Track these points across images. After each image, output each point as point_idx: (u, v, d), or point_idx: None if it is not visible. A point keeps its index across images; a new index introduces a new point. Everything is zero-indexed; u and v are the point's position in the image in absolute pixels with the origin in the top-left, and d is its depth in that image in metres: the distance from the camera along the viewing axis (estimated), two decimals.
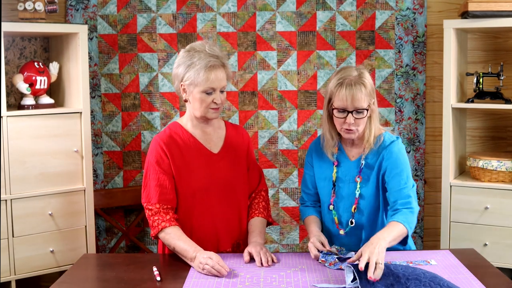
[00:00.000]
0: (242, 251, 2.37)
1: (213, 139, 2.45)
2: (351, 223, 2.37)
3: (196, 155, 2.40)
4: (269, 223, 2.55)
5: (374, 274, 1.90)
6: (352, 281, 1.93)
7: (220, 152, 2.45)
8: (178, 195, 2.39)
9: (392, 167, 2.30)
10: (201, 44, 2.35)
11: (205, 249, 2.28)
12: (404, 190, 2.28)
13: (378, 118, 2.37)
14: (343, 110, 2.26)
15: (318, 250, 2.25)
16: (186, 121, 2.45)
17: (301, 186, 2.58)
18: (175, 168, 2.37)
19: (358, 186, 2.35)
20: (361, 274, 1.91)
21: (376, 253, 1.96)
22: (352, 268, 1.94)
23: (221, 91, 2.34)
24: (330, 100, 2.30)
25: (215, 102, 2.32)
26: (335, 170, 2.39)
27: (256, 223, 2.47)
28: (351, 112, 2.25)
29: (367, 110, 2.27)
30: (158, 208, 2.33)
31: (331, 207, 2.40)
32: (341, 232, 2.38)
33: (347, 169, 2.38)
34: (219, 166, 2.43)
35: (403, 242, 2.30)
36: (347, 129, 2.28)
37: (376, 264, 1.92)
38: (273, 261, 2.26)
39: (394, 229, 2.17)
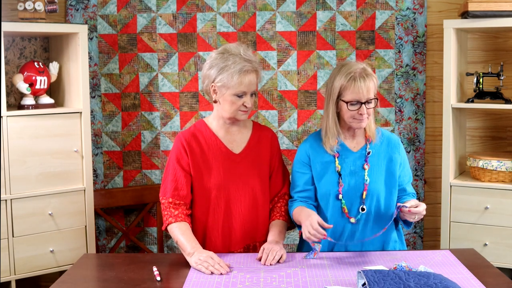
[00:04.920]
0: (257, 252, 2.38)
1: (236, 139, 2.49)
2: (363, 209, 2.42)
3: (216, 154, 2.44)
4: (291, 227, 2.55)
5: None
6: (362, 285, 1.93)
7: (242, 152, 2.48)
8: (196, 192, 2.44)
9: (404, 162, 2.53)
10: (236, 47, 2.39)
11: (216, 247, 2.41)
12: (411, 183, 2.56)
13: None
14: (357, 102, 2.36)
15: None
16: (212, 120, 2.50)
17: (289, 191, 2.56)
18: (194, 165, 2.42)
19: (366, 173, 2.42)
20: (371, 280, 1.91)
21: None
22: (363, 274, 1.94)
23: (251, 95, 2.39)
24: (339, 95, 2.40)
25: (245, 105, 2.37)
26: (337, 162, 2.45)
27: (276, 224, 2.48)
28: (364, 103, 2.36)
29: (377, 99, 2.41)
30: (170, 202, 2.41)
31: (340, 196, 2.42)
32: (352, 220, 2.42)
33: (352, 159, 2.46)
34: (238, 166, 2.45)
35: (408, 223, 2.45)
36: (359, 119, 2.39)
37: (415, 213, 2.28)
38: (278, 261, 2.27)
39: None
